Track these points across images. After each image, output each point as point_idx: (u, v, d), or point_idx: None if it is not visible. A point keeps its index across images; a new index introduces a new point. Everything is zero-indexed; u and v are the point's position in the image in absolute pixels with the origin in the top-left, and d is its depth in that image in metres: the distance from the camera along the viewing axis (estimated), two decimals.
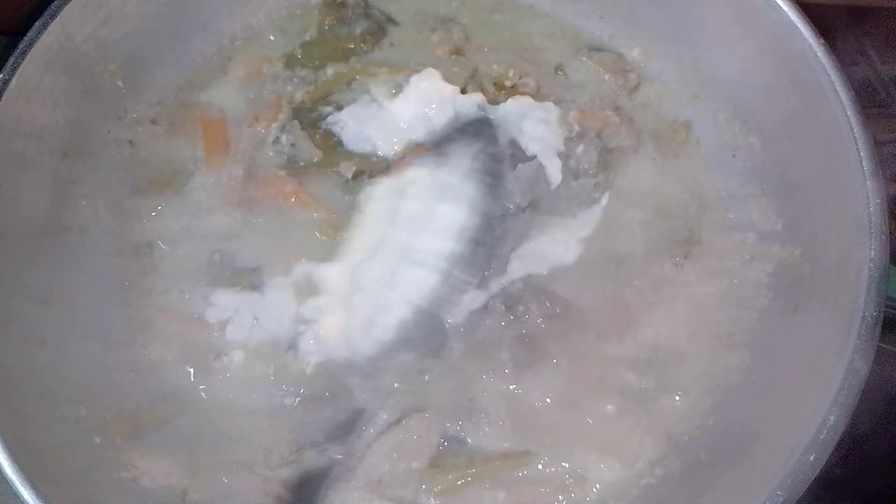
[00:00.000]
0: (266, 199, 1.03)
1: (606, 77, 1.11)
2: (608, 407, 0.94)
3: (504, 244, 0.99)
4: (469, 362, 0.95)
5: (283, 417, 0.91)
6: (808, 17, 0.92)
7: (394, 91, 1.06)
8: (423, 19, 1.13)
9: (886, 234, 0.81)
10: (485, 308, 0.96)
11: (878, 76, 1.25)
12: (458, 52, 1.11)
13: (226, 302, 0.97)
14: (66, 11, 0.92)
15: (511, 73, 1.09)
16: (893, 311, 1.06)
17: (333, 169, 1.02)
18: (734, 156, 1.04)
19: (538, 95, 1.08)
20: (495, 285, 0.97)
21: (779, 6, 0.93)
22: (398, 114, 1.06)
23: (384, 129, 1.05)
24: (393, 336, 0.94)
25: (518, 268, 0.98)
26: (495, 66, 1.10)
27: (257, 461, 0.90)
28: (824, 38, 0.91)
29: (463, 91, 1.06)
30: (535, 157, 1.02)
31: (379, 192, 1.00)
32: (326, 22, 1.12)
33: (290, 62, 1.11)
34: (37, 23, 0.91)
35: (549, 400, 0.94)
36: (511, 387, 0.94)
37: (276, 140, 1.05)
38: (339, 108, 1.06)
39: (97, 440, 0.87)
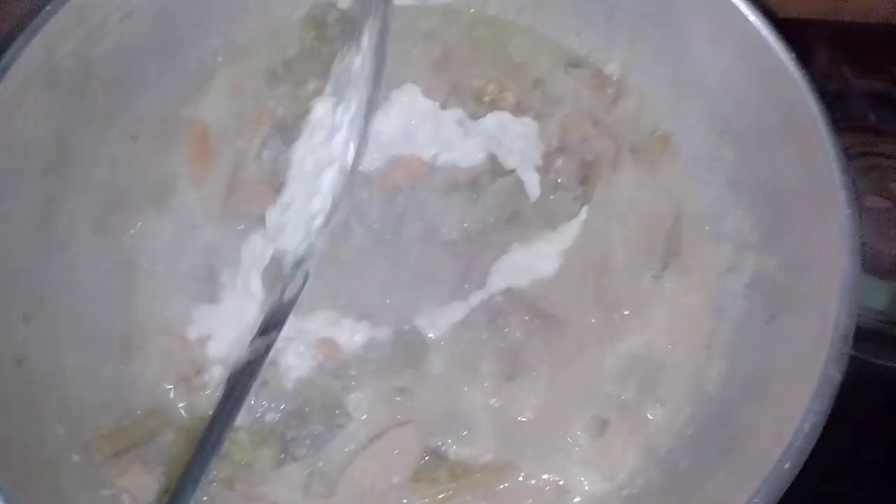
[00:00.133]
0: (249, 213, 1.03)
1: (585, 91, 1.12)
2: (589, 418, 0.94)
3: (483, 257, 0.99)
4: (450, 376, 0.95)
5: (263, 433, 0.91)
6: (783, 31, 0.94)
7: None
8: (404, 35, 1.15)
9: (858, 245, 0.82)
10: (465, 321, 0.96)
11: (851, 90, 1.28)
12: (438, 67, 1.12)
13: (207, 317, 0.97)
14: (48, 27, 0.92)
15: (490, 88, 1.10)
16: (865, 321, 1.09)
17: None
18: (711, 168, 1.06)
19: (517, 110, 1.09)
20: (475, 298, 0.97)
21: (751, 21, 0.95)
22: (379, 129, 1.06)
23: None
24: (374, 350, 0.94)
25: (498, 280, 0.98)
26: (475, 81, 1.11)
27: (238, 477, 0.90)
28: (798, 53, 0.92)
29: (443, 106, 1.07)
30: (513, 171, 1.03)
31: None
32: (308, 38, 1.13)
33: (272, 78, 1.11)
34: (18, 39, 0.91)
35: (530, 412, 0.94)
36: (492, 400, 0.94)
37: (259, 155, 1.05)
38: None
39: (76, 458, 0.87)
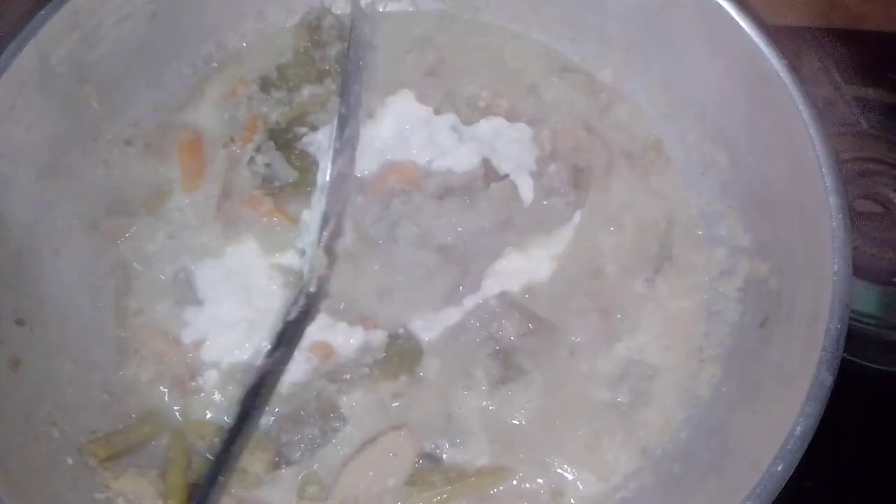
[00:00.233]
0: (242, 218, 1.03)
1: (578, 97, 1.13)
2: (583, 422, 0.95)
3: (477, 262, 1.00)
4: (445, 379, 0.95)
5: (258, 437, 0.91)
6: (774, 38, 0.95)
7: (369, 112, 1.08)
8: (399, 42, 1.15)
9: (849, 249, 0.83)
10: (460, 325, 0.97)
11: (841, 95, 1.29)
12: (432, 73, 1.12)
13: (201, 322, 0.97)
14: (43, 32, 0.93)
15: (484, 94, 1.10)
16: (856, 324, 1.09)
17: (310, 189, 1.03)
18: (703, 173, 1.07)
19: (511, 115, 1.09)
20: (469, 302, 0.98)
21: (743, 28, 0.95)
22: (374, 134, 1.07)
23: (360, 149, 1.06)
24: (368, 354, 0.95)
25: (492, 285, 0.99)
26: (469, 87, 1.12)
27: (233, 481, 0.90)
28: (789, 59, 0.93)
29: (437, 112, 1.08)
30: (507, 176, 1.04)
31: None
32: (302, 44, 1.13)
33: (265, 84, 1.12)
34: (12, 43, 0.91)
35: (524, 416, 0.94)
36: (486, 403, 0.94)
37: (252, 160, 1.05)
38: (315, 128, 1.07)
39: (70, 461, 0.87)
